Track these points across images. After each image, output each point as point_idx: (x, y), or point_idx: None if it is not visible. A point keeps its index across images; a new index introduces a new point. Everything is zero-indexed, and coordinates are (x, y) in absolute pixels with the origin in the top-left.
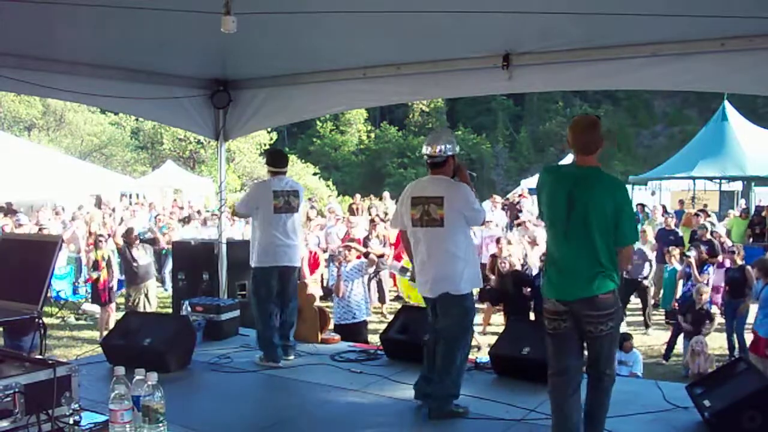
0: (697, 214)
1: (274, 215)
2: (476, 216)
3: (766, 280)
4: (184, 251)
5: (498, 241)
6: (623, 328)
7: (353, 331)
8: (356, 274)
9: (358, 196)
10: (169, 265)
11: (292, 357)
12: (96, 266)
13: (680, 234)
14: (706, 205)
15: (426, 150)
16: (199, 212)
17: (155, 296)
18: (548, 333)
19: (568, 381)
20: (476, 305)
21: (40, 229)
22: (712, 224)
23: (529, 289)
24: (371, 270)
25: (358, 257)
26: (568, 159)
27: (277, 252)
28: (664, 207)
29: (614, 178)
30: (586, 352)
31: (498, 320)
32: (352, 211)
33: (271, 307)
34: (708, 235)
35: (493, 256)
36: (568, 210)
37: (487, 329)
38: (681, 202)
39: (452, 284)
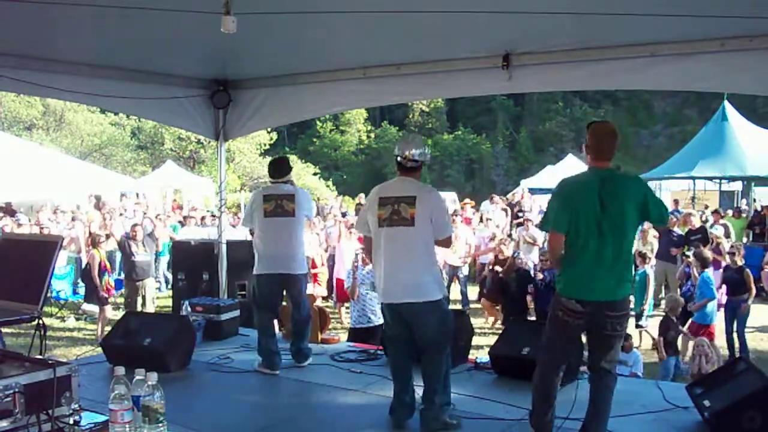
0: (690, 214)
1: (265, 219)
2: (444, 227)
3: (701, 269)
4: (184, 251)
5: (493, 238)
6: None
7: (368, 334)
8: (372, 278)
9: (362, 195)
10: (162, 266)
11: (304, 363)
12: (100, 268)
13: (681, 233)
14: (707, 206)
15: (400, 153)
16: (195, 209)
17: (153, 297)
18: (557, 324)
19: (559, 364)
20: (474, 305)
21: (40, 229)
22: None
23: (532, 288)
24: None
25: None
26: (569, 159)
27: (270, 258)
28: None
29: (633, 177)
30: (587, 351)
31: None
32: (358, 211)
33: (269, 315)
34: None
35: (495, 256)
36: (601, 212)
37: (485, 330)
38: (676, 201)
39: (427, 291)
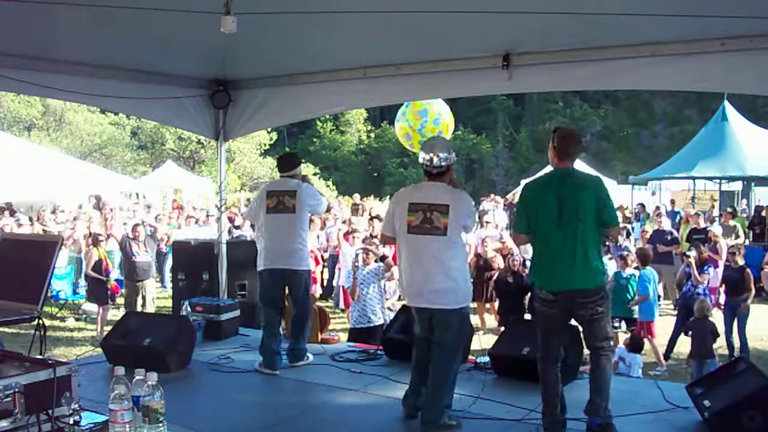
0: (697, 214)
1: (267, 215)
2: (471, 224)
3: (641, 267)
4: (184, 251)
5: (483, 241)
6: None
7: (368, 334)
8: (373, 278)
9: (357, 195)
10: (169, 264)
11: (298, 363)
12: (99, 267)
13: (675, 234)
14: (713, 206)
15: (425, 158)
16: (195, 208)
17: (153, 298)
18: (539, 317)
19: (551, 359)
20: (474, 305)
21: (43, 230)
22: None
23: (528, 295)
24: (388, 274)
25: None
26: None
27: (270, 254)
28: (664, 207)
29: (591, 175)
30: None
31: (491, 321)
32: (354, 211)
33: (273, 313)
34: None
35: (477, 256)
36: (560, 206)
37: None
38: (672, 202)
39: (454, 297)
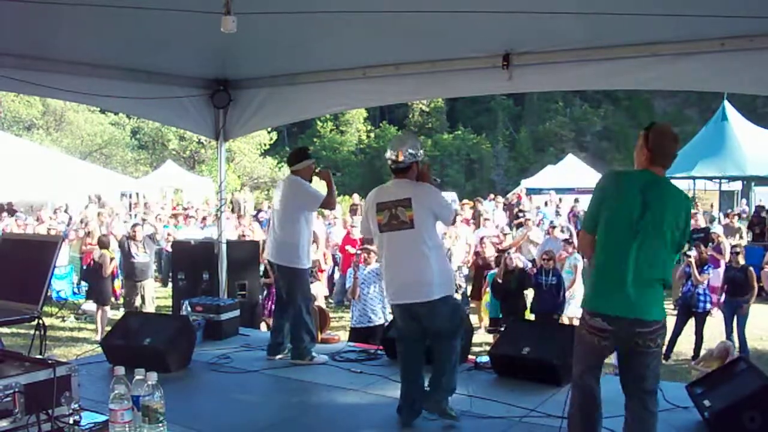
0: (696, 213)
1: (274, 211)
2: (447, 212)
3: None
4: (184, 251)
5: (482, 240)
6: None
7: (369, 334)
8: (373, 278)
9: (356, 196)
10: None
11: (296, 361)
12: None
13: None
14: (712, 205)
15: (390, 155)
16: (197, 210)
17: (152, 297)
18: (583, 342)
19: (592, 374)
20: (474, 304)
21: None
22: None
23: (531, 290)
24: None
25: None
26: (569, 159)
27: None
28: None
29: (683, 192)
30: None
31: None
32: (353, 211)
33: (279, 304)
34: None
35: (476, 254)
36: (641, 213)
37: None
38: None
39: (434, 288)
